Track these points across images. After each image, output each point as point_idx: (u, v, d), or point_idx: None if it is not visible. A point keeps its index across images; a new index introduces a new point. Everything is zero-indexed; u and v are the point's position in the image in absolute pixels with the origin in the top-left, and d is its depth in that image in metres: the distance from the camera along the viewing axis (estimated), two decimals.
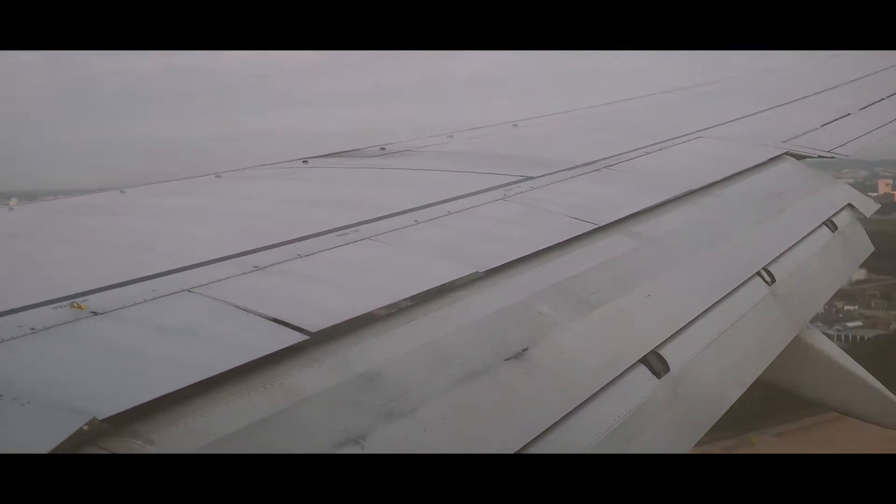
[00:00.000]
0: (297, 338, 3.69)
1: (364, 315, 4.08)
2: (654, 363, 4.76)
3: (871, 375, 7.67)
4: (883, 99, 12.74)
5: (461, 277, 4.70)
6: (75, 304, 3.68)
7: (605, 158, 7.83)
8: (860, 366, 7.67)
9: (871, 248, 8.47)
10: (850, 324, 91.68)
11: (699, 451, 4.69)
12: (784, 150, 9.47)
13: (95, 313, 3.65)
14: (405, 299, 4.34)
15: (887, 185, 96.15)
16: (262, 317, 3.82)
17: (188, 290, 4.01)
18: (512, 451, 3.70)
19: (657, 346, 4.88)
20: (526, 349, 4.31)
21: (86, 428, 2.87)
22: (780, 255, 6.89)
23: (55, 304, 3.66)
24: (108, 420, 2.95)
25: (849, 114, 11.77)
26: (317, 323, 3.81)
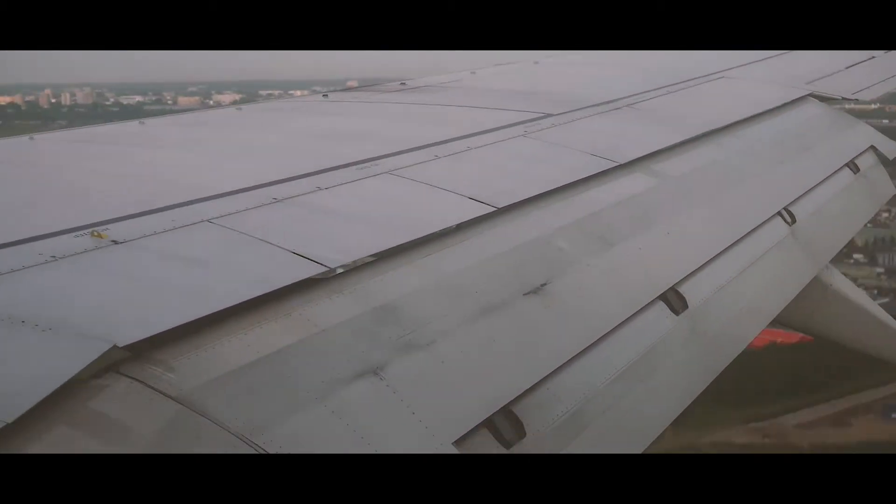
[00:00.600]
0: (317, 270, 3.69)
1: (384, 250, 4.08)
2: (673, 300, 4.76)
3: (889, 316, 7.66)
4: None
5: (481, 213, 4.69)
6: (96, 233, 3.69)
7: (627, 97, 7.78)
8: (879, 306, 7.66)
9: (894, 191, 8.42)
10: None
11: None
12: (808, 92, 9.39)
13: (116, 242, 3.66)
14: (426, 236, 4.33)
15: None
16: (282, 248, 3.83)
17: (208, 221, 4.01)
18: (529, 385, 3.71)
19: (676, 283, 4.88)
20: (545, 284, 4.31)
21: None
22: (802, 196, 6.86)
23: (76, 233, 3.68)
24: (129, 347, 2.97)
25: (874, 56, 11.64)
26: (336, 258, 3.82)
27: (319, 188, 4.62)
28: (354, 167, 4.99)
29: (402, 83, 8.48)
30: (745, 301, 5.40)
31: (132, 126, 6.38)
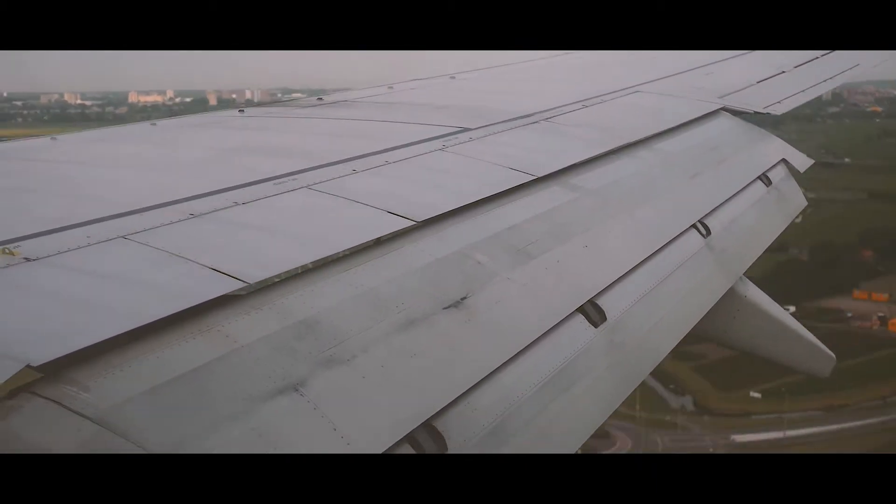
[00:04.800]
0: (235, 285, 3.66)
1: (303, 265, 4.06)
2: (592, 312, 4.80)
3: (802, 326, 7.80)
4: (816, 58, 12.85)
5: (400, 227, 4.69)
6: (7, 250, 3.61)
7: (544, 111, 7.83)
8: (792, 317, 7.79)
9: (805, 203, 8.59)
10: None
11: None
12: (720, 106, 9.54)
13: (28, 259, 3.59)
14: (345, 250, 4.32)
15: None
16: (200, 264, 3.78)
17: (123, 237, 3.95)
18: (451, 399, 3.71)
19: (594, 296, 4.92)
20: (464, 298, 4.32)
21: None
22: (716, 209, 6.96)
23: None
24: (43, 367, 2.91)
25: (783, 71, 11.87)
26: (255, 273, 3.78)
27: (237, 203, 4.58)
28: (272, 182, 4.96)
29: (318, 98, 8.45)
30: (663, 313, 5.45)
31: (43, 142, 6.27)
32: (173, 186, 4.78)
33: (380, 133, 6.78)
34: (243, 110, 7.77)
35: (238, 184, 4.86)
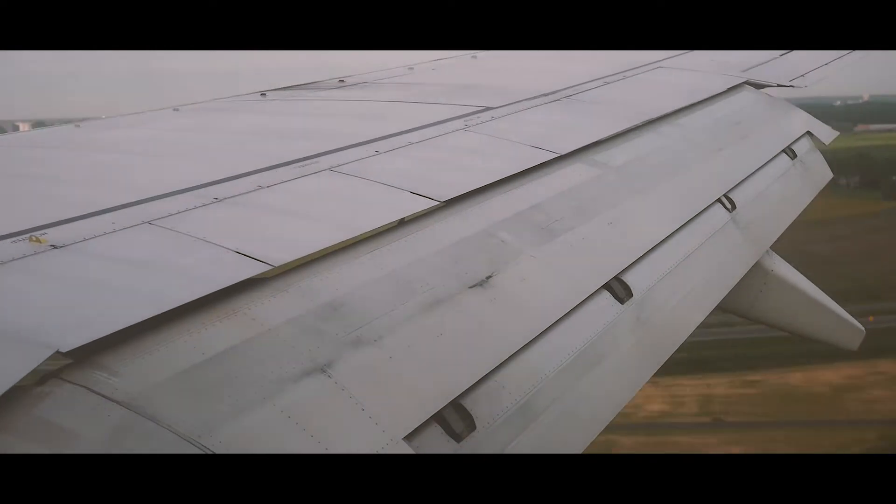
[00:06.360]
0: (261, 268, 3.67)
1: (328, 247, 4.06)
2: (618, 289, 4.79)
3: (830, 300, 7.76)
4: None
5: (424, 208, 4.69)
6: (34, 238, 3.63)
7: (566, 89, 7.80)
8: (820, 290, 7.75)
9: (830, 175, 8.53)
10: None
11: None
12: (743, 80, 9.48)
13: (55, 247, 3.61)
14: (370, 231, 4.32)
15: None
16: (225, 248, 3.79)
17: (148, 223, 3.96)
18: (478, 378, 3.71)
19: (620, 273, 4.91)
20: (490, 277, 4.32)
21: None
22: (741, 183, 6.93)
23: (14, 238, 3.61)
24: (72, 353, 2.93)
25: None
26: (280, 256, 3.79)
27: (261, 187, 4.59)
28: (295, 165, 4.96)
29: (340, 80, 8.44)
30: (689, 288, 5.44)
31: (67, 130, 6.29)
32: (197, 171, 4.79)
33: (402, 114, 6.77)
34: (265, 93, 7.77)
35: (261, 167, 4.86)
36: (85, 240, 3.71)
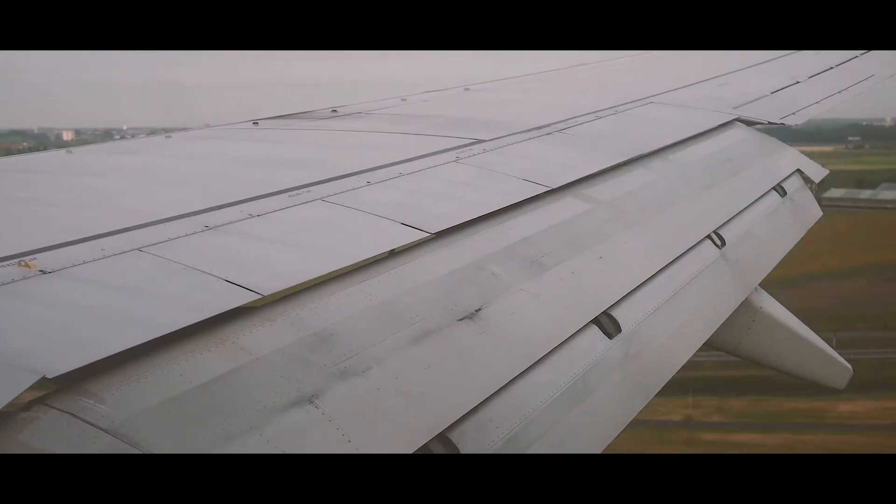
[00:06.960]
0: (250, 297, 3.66)
1: (317, 277, 4.06)
2: (606, 324, 4.79)
3: (818, 338, 7.75)
4: (831, 68, 12.83)
5: (414, 239, 4.69)
6: (23, 263, 3.62)
7: (558, 122, 7.83)
8: (808, 328, 7.75)
9: (820, 213, 8.56)
10: None
11: None
12: (734, 116, 9.52)
13: (44, 272, 3.60)
14: (359, 262, 4.32)
15: None
16: (214, 276, 3.79)
17: (138, 250, 3.96)
18: (465, 411, 3.70)
19: (609, 307, 4.91)
20: (479, 309, 4.32)
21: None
22: (731, 220, 6.94)
23: (2, 263, 3.60)
24: (59, 379, 2.91)
25: (798, 81, 11.84)
26: (269, 285, 3.79)
27: (251, 215, 4.59)
28: (286, 194, 4.96)
29: (333, 110, 8.46)
30: (678, 324, 5.44)
31: (59, 155, 6.29)
32: (188, 198, 4.78)
33: (394, 145, 6.78)
34: (258, 122, 7.78)
35: (253, 196, 4.86)
36: (74, 265, 3.70)
